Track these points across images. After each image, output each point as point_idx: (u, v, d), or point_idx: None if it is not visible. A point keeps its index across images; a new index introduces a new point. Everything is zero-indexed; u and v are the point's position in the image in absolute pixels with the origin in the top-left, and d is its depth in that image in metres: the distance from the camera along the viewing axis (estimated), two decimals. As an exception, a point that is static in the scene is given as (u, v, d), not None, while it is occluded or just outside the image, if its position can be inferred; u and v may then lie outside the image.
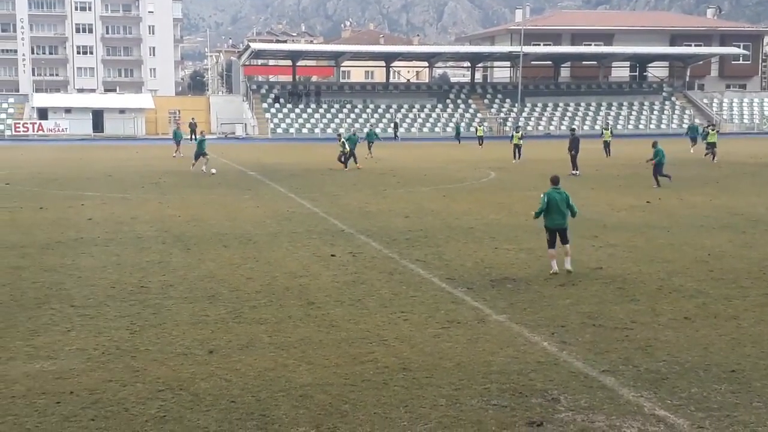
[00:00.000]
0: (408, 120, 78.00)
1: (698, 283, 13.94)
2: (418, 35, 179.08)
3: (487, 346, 10.37)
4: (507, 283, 13.97)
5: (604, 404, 8.38)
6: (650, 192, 27.23)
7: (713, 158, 40.73)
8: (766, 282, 13.94)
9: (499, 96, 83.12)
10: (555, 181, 15.10)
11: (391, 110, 78.48)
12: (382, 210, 23.82)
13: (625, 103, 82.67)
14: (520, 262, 15.93)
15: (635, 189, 28.66)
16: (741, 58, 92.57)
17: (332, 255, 16.60)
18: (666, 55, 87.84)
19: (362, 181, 32.90)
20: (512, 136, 43.89)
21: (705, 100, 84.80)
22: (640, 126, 79.32)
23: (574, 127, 49.57)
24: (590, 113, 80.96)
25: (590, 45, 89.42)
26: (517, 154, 42.22)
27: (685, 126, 64.12)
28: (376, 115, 77.90)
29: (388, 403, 8.44)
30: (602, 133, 48.50)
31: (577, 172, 34.49)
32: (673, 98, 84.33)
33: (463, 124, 72.73)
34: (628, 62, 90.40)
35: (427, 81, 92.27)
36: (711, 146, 41.47)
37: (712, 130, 42.55)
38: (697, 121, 70.36)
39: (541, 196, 15.03)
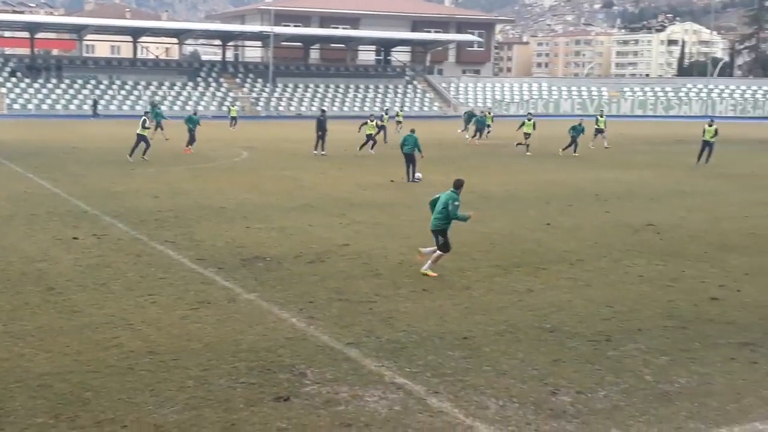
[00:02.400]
0: (157, 98, 75.58)
1: (436, 257, 14.80)
2: (166, 11, 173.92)
3: (236, 326, 10.43)
4: (258, 262, 14.08)
5: (348, 375, 8.74)
6: (393, 171, 28.38)
7: (574, 149, 37.28)
8: (494, 254, 15.10)
9: (251, 75, 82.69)
10: (455, 184, 13.68)
11: (139, 87, 75.70)
12: (130, 190, 23.06)
13: (371, 86, 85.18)
14: (271, 240, 16.09)
15: (380, 168, 29.78)
16: (476, 45, 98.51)
17: (74, 238, 15.88)
18: (408, 41, 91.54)
19: (109, 160, 31.58)
20: (381, 116, 43.08)
21: (444, 85, 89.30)
22: (385, 108, 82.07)
23: (323, 108, 50.15)
24: (339, 95, 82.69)
25: (338, 28, 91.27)
26: (380, 140, 40.05)
27: (465, 112, 66.38)
28: (123, 92, 74.78)
29: (133, 388, 8.28)
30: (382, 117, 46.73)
31: (321, 152, 35.16)
32: (415, 82, 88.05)
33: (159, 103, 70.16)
34: (374, 46, 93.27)
35: (177, 58, 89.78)
36: (574, 140, 37.59)
37: (602, 116, 42.37)
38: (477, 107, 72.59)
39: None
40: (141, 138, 31.73)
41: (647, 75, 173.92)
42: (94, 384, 8.35)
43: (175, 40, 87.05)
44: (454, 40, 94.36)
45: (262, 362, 9.08)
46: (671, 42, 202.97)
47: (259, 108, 77.56)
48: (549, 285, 12.88)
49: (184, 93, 76.99)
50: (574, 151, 36.94)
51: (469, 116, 49.09)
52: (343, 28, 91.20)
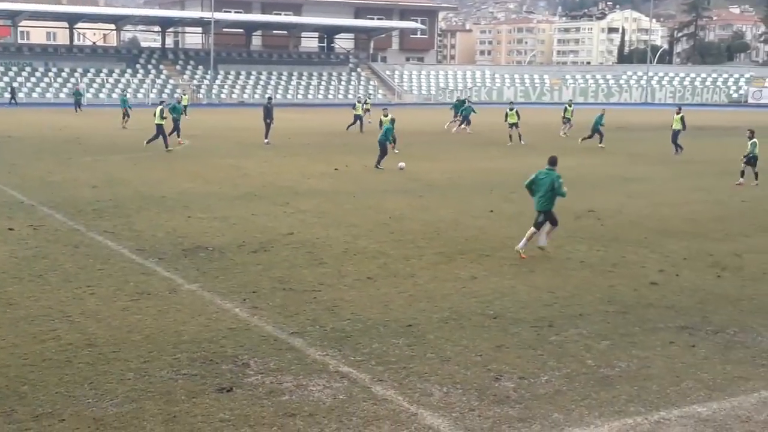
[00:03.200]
0: (95, 85, 74.22)
1: (380, 244, 14.80)
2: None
3: (178, 316, 10.28)
4: (200, 252, 13.90)
5: (293, 365, 8.68)
6: (338, 159, 28.30)
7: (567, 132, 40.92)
8: (439, 242, 15.13)
9: (192, 62, 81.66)
10: (551, 161, 14.13)
11: (77, 74, 74.17)
12: (67, 180, 22.59)
13: (315, 73, 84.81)
14: (213, 230, 15.90)
15: (325, 156, 29.68)
16: (419, 32, 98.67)
17: (10, 229, 15.49)
18: (351, 27, 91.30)
19: (44, 149, 30.90)
20: (355, 105, 43.39)
21: (388, 72, 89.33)
22: (330, 96, 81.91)
23: (269, 96, 49.66)
24: (282, 82, 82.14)
25: (280, 14, 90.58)
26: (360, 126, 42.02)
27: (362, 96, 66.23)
28: (59, 80, 73.17)
29: (72, 381, 8.10)
30: (355, 105, 44.95)
31: (265, 140, 34.88)
32: (358, 69, 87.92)
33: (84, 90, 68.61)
34: (317, 33, 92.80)
35: (115, 45, 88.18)
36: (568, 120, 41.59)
37: (571, 106, 43.03)
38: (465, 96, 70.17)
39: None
40: (159, 128, 31.37)
41: (588, 62, 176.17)
42: (31, 377, 8.15)
43: (112, 27, 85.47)
44: (398, 27, 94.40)
45: (204, 353, 8.96)
46: (612, 30, 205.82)
47: (200, 95, 76.65)
48: (492, 272, 12.95)
49: (123, 80, 75.72)
50: (600, 142, 35.25)
51: (459, 104, 46.21)
52: (285, 15, 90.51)
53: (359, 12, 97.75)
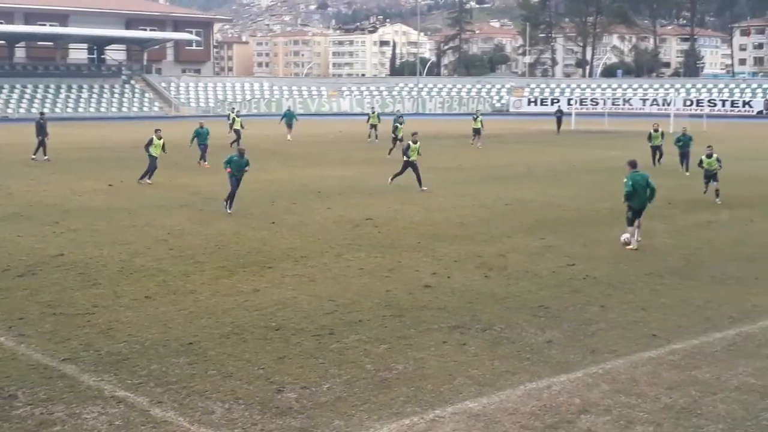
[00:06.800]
0: None
1: (159, 261, 14.44)
2: None
3: (-67, 351, 9.51)
4: (-43, 280, 12.93)
5: (64, 393, 8.28)
6: (111, 174, 27.24)
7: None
8: (220, 256, 14.99)
9: (-55, 75, 75.56)
10: (633, 164, 15.96)
11: None
12: None
13: (85, 86, 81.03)
14: (-29, 255, 14.83)
15: (98, 172, 28.48)
16: (194, 44, 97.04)
17: None
18: (122, 39, 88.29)
19: None
20: (369, 116, 45.02)
21: (163, 84, 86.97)
22: (102, 109, 78.60)
23: (43, 111, 46.60)
24: (50, 95, 77.84)
25: (45, 25, 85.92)
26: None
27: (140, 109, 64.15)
28: None
29: None
30: (233, 120, 42.53)
31: (44, 156, 33.00)
32: (132, 81, 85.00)
33: None
34: (86, 44, 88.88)
35: None
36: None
37: (479, 116, 43.33)
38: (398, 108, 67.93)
39: (625, 180, 15.85)
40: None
41: (363, 74, 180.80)
42: None
43: None
44: (171, 38, 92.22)
45: (-35, 389, 8.36)
46: (383, 43, 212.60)
47: (-44, 111, 71.08)
48: (274, 283, 13.01)
49: None
50: (686, 170, 28.65)
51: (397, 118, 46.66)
52: (51, 25, 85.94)
53: (130, 23, 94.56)
